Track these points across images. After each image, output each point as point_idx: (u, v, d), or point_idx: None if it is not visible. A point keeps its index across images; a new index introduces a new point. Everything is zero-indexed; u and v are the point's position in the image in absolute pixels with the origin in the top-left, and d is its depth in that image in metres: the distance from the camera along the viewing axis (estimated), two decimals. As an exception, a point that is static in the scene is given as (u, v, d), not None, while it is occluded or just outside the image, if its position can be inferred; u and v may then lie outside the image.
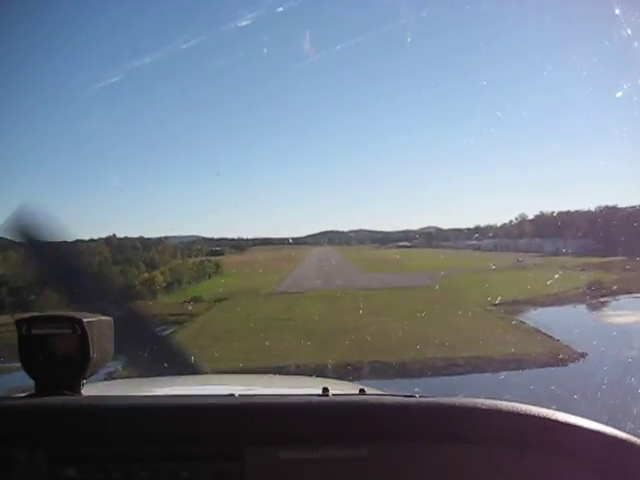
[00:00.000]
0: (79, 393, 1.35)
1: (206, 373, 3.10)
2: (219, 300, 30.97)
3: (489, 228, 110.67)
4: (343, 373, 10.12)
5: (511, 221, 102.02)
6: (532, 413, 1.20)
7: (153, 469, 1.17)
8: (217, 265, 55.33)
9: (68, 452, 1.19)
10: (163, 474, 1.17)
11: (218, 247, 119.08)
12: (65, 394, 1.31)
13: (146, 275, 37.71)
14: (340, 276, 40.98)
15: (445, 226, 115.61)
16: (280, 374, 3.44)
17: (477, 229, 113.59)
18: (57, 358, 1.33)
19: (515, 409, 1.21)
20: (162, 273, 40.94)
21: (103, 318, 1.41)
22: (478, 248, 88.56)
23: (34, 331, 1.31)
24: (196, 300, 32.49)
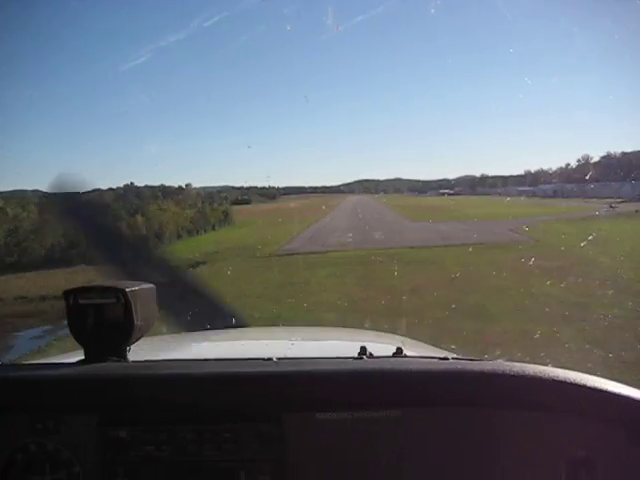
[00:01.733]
0: (125, 359, 1.37)
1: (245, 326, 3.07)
2: (194, 265, 20.07)
3: (541, 173, 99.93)
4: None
5: (568, 165, 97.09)
6: (560, 378, 1.14)
7: (197, 430, 1.21)
8: (225, 214, 44.71)
9: (117, 416, 1.22)
10: (207, 435, 1.21)
11: (245, 196, 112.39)
12: (112, 360, 1.34)
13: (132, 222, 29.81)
14: (381, 227, 32.25)
15: (486, 173, 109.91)
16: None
17: (527, 175, 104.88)
18: (103, 326, 1.33)
19: (543, 373, 1.15)
20: (147, 219, 31.64)
21: (145, 286, 1.41)
22: (533, 194, 77.97)
23: (81, 301, 1.32)
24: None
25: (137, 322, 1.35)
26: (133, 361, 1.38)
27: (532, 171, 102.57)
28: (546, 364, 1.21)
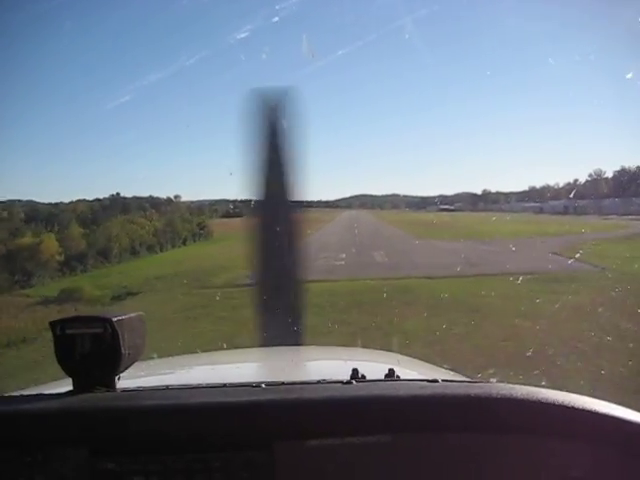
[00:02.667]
0: (114, 388, 1.35)
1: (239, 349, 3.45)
2: (118, 297, 15.46)
3: (547, 189, 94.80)
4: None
5: (576, 180, 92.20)
6: (550, 399, 1.15)
7: (187, 460, 1.20)
8: (201, 227, 38.63)
9: (106, 447, 1.21)
10: (196, 464, 1.20)
11: (237, 209, 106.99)
12: (101, 390, 1.33)
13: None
14: (382, 245, 27.85)
15: (488, 189, 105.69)
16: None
17: (531, 191, 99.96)
18: (91, 356, 1.32)
19: (532, 395, 1.15)
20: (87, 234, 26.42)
21: (133, 315, 1.40)
22: (541, 211, 73.10)
23: (68, 331, 1.32)
24: (68, 296, 15.59)
25: (125, 351, 1.33)
26: (122, 390, 1.36)
27: (537, 187, 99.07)
28: (539, 385, 1.19)
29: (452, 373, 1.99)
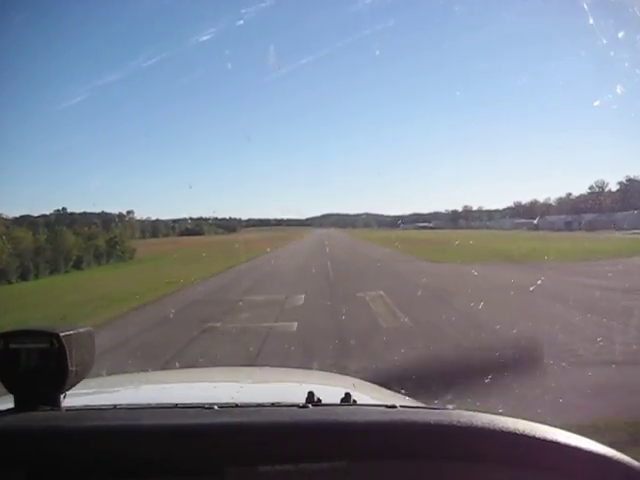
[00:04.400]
0: (59, 407, 1.27)
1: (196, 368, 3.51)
2: None
3: (537, 205, 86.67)
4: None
5: (569, 194, 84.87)
6: (509, 428, 1.11)
7: None
8: (113, 244, 28.34)
9: (47, 471, 1.13)
10: None
11: (197, 227, 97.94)
12: (44, 409, 1.25)
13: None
14: (373, 275, 19.47)
15: (470, 206, 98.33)
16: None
17: (518, 207, 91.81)
18: (36, 372, 1.24)
19: (492, 423, 1.12)
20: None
21: (82, 330, 1.32)
22: (536, 227, 64.94)
23: (12, 346, 1.23)
24: None
25: (72, 368, 1.25)
26: (67, 409, 1.28)
27: (523, 202, 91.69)
28: (497, 412, 1.17)
29: (408, 399, 1.78)
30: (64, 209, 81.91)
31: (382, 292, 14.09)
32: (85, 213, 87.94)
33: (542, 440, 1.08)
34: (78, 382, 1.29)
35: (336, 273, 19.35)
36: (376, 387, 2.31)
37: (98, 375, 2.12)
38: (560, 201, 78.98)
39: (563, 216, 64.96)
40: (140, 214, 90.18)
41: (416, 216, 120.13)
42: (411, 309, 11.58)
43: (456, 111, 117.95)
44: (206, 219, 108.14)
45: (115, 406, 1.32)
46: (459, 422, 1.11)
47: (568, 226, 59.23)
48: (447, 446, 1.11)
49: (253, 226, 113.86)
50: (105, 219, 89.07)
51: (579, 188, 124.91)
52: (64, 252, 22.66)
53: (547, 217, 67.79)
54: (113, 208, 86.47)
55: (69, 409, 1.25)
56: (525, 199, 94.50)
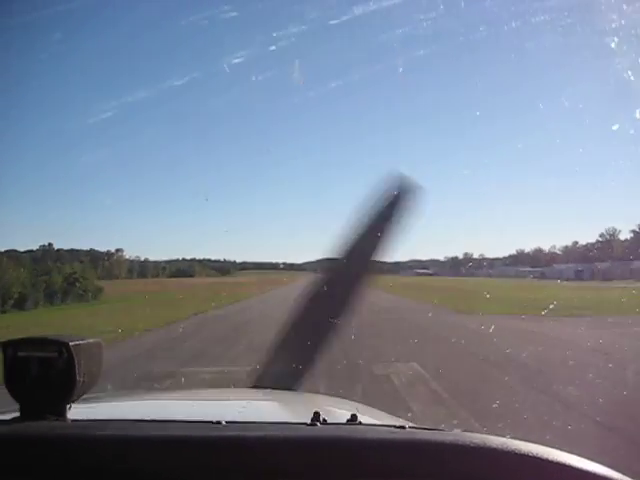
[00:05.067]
0: (64, 417, 1.26)
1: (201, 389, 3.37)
2: None
3: (540, 252, 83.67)
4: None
5: (576, 242, 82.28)
6: (524, 451, 1.09)
7: None
8: (72, 281, 24.33)
9: (51, 479, 1.13)
10: None
11: (188, 267, 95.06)
12: (50, 419, 1.23)
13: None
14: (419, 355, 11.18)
15: (471, 253, 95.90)
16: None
17: (521, 255, 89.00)
18: (43, 381, 1.24)
19: (507, 447, 1.10)
20: None
21: (92, 341, 1.32)
22: (542, 276, 61.53)
23: (20, 354, 1.23)
24: None
25: (80, 378, 1.25)
26: (73, 420, 1.27)
27: (526, 250, 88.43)
28: (504, 435, 1.14)
29: (413, 424, 1.57)
30: (50, 245, 79.57)
31: (415, 364, 9.29)
32: (73, 250, 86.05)
33: (554, 463, 1.06)
34: (85, 393, 1.28)
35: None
36: (381, 412, 2.19)
37: (103, 389, 1.96)
38: (566, 249, 76.07)
39: (572, 264, 61.33)
40: (132, 253, 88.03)
41: (414, 262, 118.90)
42: (480, 407, 6.35)
43: (455, 157, 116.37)
44: (199, 260, 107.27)
45: (122, 419, 1.30)
46: (472, 444, 1.08)
47: (579, 275, 55.63)
48: (459, 468, 1.08)
49: (248, 269, 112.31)
50: (93, 257, 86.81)
51: (585, 236, 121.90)
52: (3, 289, 18.52)
53: (555, 265, 64.11)
54: (104, 246, 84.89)
55: (75, 420, 1.25)
56: (528, 247, 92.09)
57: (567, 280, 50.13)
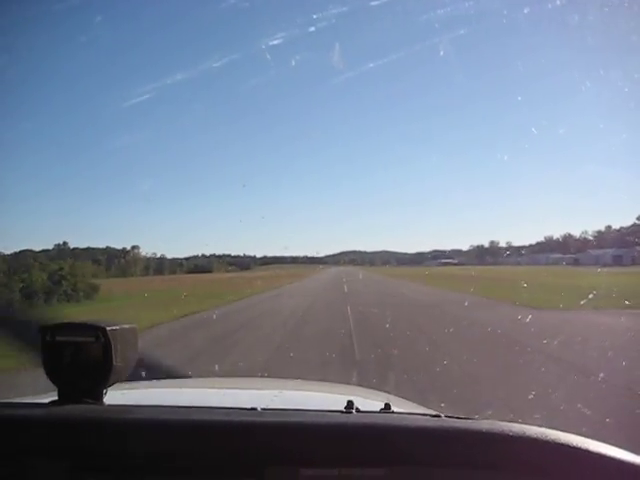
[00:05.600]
0: (101, 401, 1.28)
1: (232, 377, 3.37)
2: None
3: (571, 239, 79.70)
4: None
5: (609, 227, 78.22)
6: (561, 441, 1.09)
7: None
8: (56, 281, 21.41)
9: (89, 463, 1.14)
10: None
11: (207, 264, 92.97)
12: (87, 402, 1.26)
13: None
14: None
15: (496, 241, 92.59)
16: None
17: (549, 241, 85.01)
18: (80, 366, 1.25)
19: (544, 436, 1.10)
20: None
21: (127, 326, 1.33)
22: (576, 262, 57.99)
23: (58, 338, 1.24)
24: None
25: (116, 363, 1.26)
26: (109, 405, 1.28)
27: (555, 237, 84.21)
28: (539, 425, 1.12)
29: (450, 414, 1.51)
30: (65, 243, 77.83)
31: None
32: (89, 248, 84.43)
33: (594, 455, 1.05)
34: (121, 378, 1.27)
35: (364, 339, 10.73)
36: (413, 403, 2.11)
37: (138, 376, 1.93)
38: (600, 234, 71.79)
39: (609, 250, 57.33)
40: (150, 250, 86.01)
41: (436, 253, 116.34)
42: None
43: (479, 146, 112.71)
44: (219, 256, 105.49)
45: (158, 405, 1.30)
46: (511, 432, 1.08)
47: (617, 261, 51.72)
48: (495, 456, 1.08)
49: (268, 264, 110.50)
50: (110, 254, 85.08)
51: (618, 220, 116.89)
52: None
53: (590, 251, 60.12)
54: (121, 244, 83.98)
55: (111, 405, 1.25)
56: (557, 233, 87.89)
57: (605, 266, 46.41)
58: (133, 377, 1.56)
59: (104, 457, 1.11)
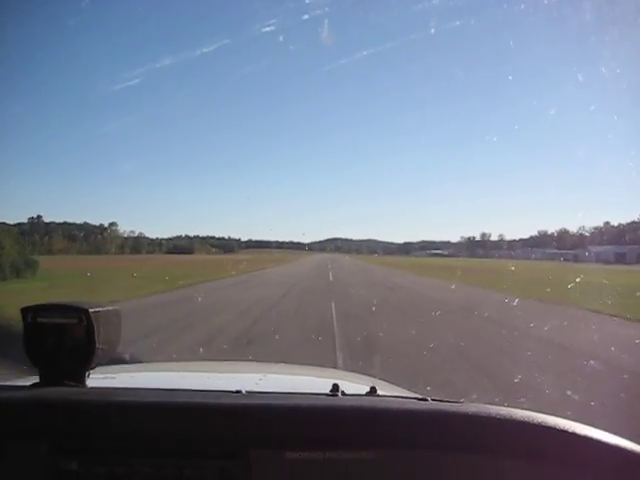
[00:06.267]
0: (83, 384, 1.27)
1: (215, 360, 3.27)
2: None
3: (566, 234, 76.74)
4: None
5: (607, 223, 75.70)
6: (548, 424, 1.10)
7: (156, 465, 1.12)
8: None
9: (70, 445, 1.13)
10: (166, 470, 1.12)
11: (189, 244, 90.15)
12: (69, 385, 1.24)
13: None
14: None
15: (488, 234, 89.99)
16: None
17: (543, 236, 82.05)
18: (62, 348, 1.24)
19: (531, 419, 1.11)
20: None
21: (111, 308, 1.32)
22: (575, 259, 55.05)
23: (39, 320, 1.22)
24: None
25: (99, 346, 1.24)
26: (91, 387, 1.27)
27: (550, 232, 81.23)
28: (527, 409, 1.13)
29: (437, 397, 1.57)
30: (39, 217, 73.97)
31: None
32: (65, 223, 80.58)
33: (581, 437, 1.06)
34: (104, 360, 1.26)
35: (351, 339, 8.64)
36: (398, 387, 2.06)
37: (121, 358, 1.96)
38: (597, 230, 68.89)
39: (610, 246, 54.40)
40: (129, 228, 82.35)
41: (425, 243, 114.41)
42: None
43: (473, 136, 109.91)
44: (203, 238, 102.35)
45: (141, 388, 1.28)
46: (498, 414, 1.08)
47: (620, 258, 48.78)
48: (481, 439, 1.08)
49: (252, 247, 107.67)
50: (87, 231, 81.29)
51: (617, 217, 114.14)
52: None
53: (591, 247, 57.14)
54: (100, 220, 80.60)
55: (94, 387, 1.24)
56: (551, 228, 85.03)
57: (607, 263, 43.45)
58: (116, 360, 1.51)
59: (86, 439, 1.09)
